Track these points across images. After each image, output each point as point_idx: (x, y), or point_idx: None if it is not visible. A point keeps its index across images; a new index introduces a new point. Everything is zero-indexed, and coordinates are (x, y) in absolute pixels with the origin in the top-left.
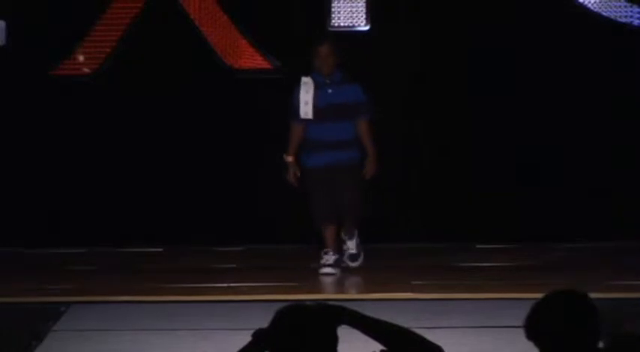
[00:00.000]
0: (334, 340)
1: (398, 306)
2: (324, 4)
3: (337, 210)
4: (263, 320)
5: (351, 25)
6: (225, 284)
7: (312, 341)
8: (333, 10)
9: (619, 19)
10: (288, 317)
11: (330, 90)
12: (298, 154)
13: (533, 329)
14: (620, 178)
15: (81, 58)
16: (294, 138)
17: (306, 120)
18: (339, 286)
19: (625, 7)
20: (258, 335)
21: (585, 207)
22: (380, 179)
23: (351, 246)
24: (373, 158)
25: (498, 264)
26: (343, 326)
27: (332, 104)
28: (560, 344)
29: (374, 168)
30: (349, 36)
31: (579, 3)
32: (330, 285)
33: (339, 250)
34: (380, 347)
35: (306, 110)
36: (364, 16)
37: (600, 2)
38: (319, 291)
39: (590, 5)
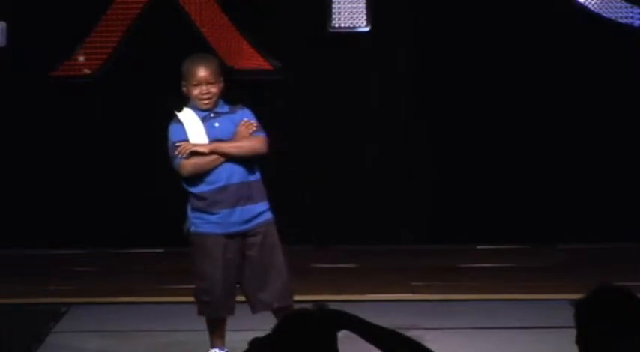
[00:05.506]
0: (334, 345)
1: (398, 307)
2: (325, 5)
3: (236, 292)
4: (263, 321)
5: (351, 26)
6: None
7: (312, 346)
8: (333, 11)
9: (619, 20)
10: (288, 323)
11: (217, 124)
12: (185, 213)
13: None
14: (620, 178)
15: (82, 59)
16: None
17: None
18: (339, 287)
19: (626, 8)
20: (254, 344)
21: (586, 207)
22: (380, 179)
23: None
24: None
25: (499, 265)
26: (343, 330)
27: (222, 140)
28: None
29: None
30: (350, 37)
31: (580, 4)
32: (330, 286)
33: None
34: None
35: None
36: (365, 17)
37: (601, 3)
38: (319, 292)
39: (590, 6)
